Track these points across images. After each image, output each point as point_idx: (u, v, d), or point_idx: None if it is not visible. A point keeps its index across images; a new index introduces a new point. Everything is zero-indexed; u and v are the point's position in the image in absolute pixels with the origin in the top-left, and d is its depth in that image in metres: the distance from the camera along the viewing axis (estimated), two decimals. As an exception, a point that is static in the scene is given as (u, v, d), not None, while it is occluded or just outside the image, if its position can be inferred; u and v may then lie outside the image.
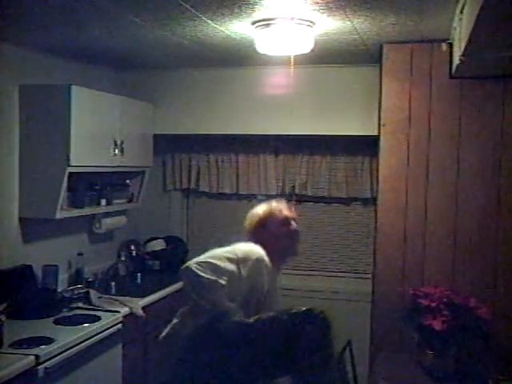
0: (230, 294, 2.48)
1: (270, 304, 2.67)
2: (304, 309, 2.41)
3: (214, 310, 2.44)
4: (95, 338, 3.15)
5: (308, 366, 2.34)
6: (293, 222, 2.79)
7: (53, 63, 3.82)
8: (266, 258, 2.62)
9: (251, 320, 2.41)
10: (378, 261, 3.52)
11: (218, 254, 2.55)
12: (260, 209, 2.82)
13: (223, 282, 2.45)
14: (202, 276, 2.43)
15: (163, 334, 2.69)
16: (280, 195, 4.67)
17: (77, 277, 3.97)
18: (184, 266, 2.53)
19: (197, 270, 2.45)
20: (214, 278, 2.44)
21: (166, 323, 4.04)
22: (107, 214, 4.26)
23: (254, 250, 2.63)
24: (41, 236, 3.76)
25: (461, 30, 2.73)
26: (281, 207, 2.81)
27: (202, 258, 2.53)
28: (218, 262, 2.49)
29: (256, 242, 2.70)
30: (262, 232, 2.74)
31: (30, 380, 2.66)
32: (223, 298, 2.46)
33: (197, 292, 2.47)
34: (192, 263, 2.49)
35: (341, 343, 2.65)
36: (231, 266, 2.50)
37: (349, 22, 2.91)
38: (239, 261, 2.55)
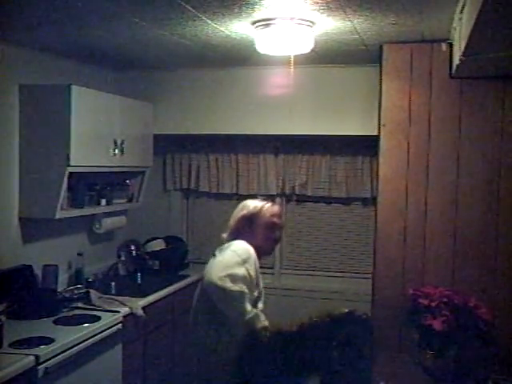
0: (248, 296, 2.56)
1: (262, 297, 2.74)
2: (346, 310, 2.45)
3: (240, 319, 2.51)
4: (95, 337, 3.15)
5: (349, 366, 2.38)
6: (278, 222, 2.85)
7: (53, 63, 3.82)
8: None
9: (294, 328, 2.44)
10: (378, 261, 3.51)
11: (229, 262, 2.60)
12: (250, 204, 2.86)
13: (246, 290, 2.55)
14: (228, 289, 2.52)
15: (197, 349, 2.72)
16: (280, 195, 4.68)
17: (77, 277, 3.97)
18: (207, 281, 2.59)
19: (222, 284, 2.52)
20: (237, 288, 2.53)
21: (165, 323, 4.05)
22: (107, 214, 4.26)
23: (249, 248, 2.70)
24: (41, 236, 3.76)
25: (461, 30, 2.73)
26: (271, 207, 2.86)
27: (218, 270, 2.57)
28: (235, 271, 2.56)
29: (238, 236, 2.77)
30: (246, 228, 2.79)
31: (30, 380, 2.66)
32: (248, 306, 2.55)
33: (226, 305, 2.56)
34: (214, 278, 2.55)
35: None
36: (243, 271, 2.58)
37: (349, 22, 2.91)
38: (244, 262, 2.62)
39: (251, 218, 2.80)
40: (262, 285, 2.79)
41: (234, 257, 2.62)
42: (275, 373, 2.41)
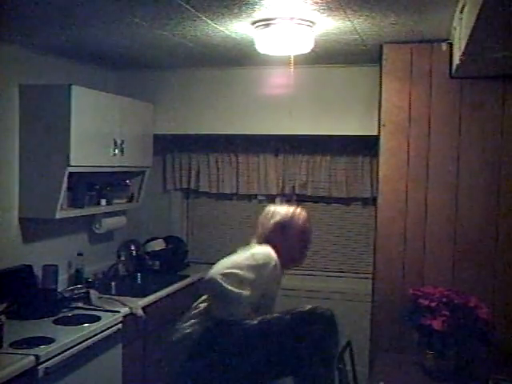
0: (249, 301, 2.49)
1: (273, 306, 2.68)
2: (308, 307, 2.41)
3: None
4: (95, 337, 3.15)
5: (311, 366, 2.34)
6: (309, 228, 2.79)
7: (53, 63, 3.82)
8: (279, 264, 2.60)
9: (255, 321, 2.40)
10: (378, 261, 3.52)
11: (240, 263, 2.53)
12: (280, 211, 2.79)
13: (247, 294, 2.46)
14: (227, 288, 2.43)
15: (174, 338, 2.65)
16: (280, 195, 4.68)
17: (77, 277, 3.97)
18: (208, 276, 2.52)
19: (222, 282, 2.44)
20: (238, 290, 2.44)
21: (165, 323, 4.05)
22: (107, 214, 4.26)
23: (272, 255, 2.61)
24: (41, 236, 3.76)
25: (461, 30, 2.73)
26: (301, 213, 2.80)
27: (224, 267, 2.52)
28: (242, 272, 2.48)
29: (269, 243, 2.68)
30: (279, 235, 2.71)
31: (30, 380, 2.66)
32: (244, 310, 2.47)
33: (219, 304, 2.49)
34: (216, 274, 2.48)
35: (341, 343, 2.64)
36: (252, 275, 2.50)
37: (349, 22, 2.91)
38: (260, 267, 2.54)
39: (284, 225, 2.73)
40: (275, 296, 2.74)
41: (249, 259, 2.55)
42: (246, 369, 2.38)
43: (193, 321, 2.60)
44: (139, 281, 4.30)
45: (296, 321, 2.39)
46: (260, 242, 2.73)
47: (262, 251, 2.63)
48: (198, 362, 2.46)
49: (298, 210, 2.82)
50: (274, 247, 2.66)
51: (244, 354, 2.38)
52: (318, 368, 2.34)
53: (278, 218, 2.76)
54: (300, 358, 2.34)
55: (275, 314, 2.45)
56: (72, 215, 3.75)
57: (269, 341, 2.37)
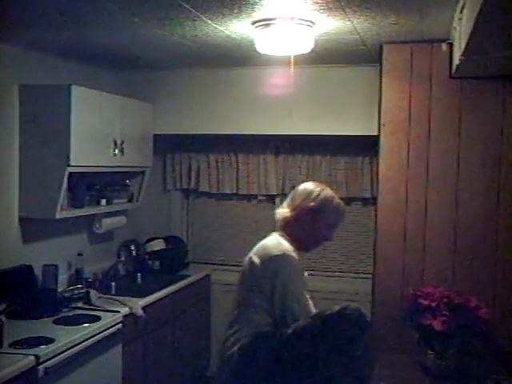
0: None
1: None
2: (338, 308, 2.38)
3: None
4: (95, 337, 3.15)
5: (346, 366, 2.33)
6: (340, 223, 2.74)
7: (53, 63, 3.82)
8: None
9: (290, 330, 2.39)
10: (378, 261, 3.52)
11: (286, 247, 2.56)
12: (316, 195, 2.65)
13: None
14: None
15: (224, 356, 2.59)
16: (280, 195, 4.68)
17: (77, 277, 3.97)
18: (275, 254, 2.52)
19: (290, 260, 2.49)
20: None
21: (165, 323, 4.05)
22: (107, 214, 4.26)
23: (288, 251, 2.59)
24: (41, 236, 3.76)
25: (461, 30, 2.73)
26: (338, 201, 2.69)
27: (278, 250, 2.53)
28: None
29: (291, 230, 2.65)
30: (306, 223, 2.64)
31: (30, 380, 2.66)
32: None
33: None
34: (282, 253, 2.50)
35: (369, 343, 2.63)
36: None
37: (349, 22, 2.91)
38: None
39: (317, 213, 2.63)
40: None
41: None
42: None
43: (234, 337, 2.56)
44: (139, 281, 4.30)
45: (327, 324, 2.36)
46: (283, 222, 2.69)
47: (279, 242, 2.61)
48: (242, 380, 2.45)
49: (338, 199, 2.69)
50: (292, 231, 2.63)
51: (283, 365, 2.36)
52: (353, 371, 2.34)
53: (313, 203, 2.63)
54: (334, 362, 2.33)
55: (308, 320, 2.43)
56: (72, 215, 3.75)
57: (304, 349, 2.35)
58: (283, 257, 2.54)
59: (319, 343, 2.31)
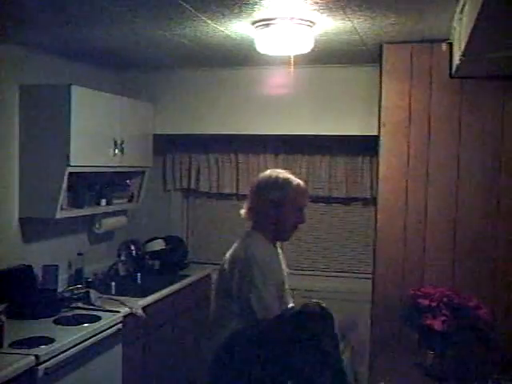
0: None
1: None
2: (296, 309, 2.37)
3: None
4: (95, 337, 3.15)
5: (308, 369, 2.31)
6: (305, 203, 2.67)
7: (53, 63, 3.82)
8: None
9: (255, 328, 2.38)
10: (378, 261, 3.52)
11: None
12: (272, 185, 2.63)
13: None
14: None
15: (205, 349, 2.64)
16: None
17: (77, 277, 3.97)
18: (240, 258, 2.52)
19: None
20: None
21: (165, 323, 4.05)
22: (107, 214, 4.26)
23: (264, 252, 2.60)
24: (41, 236, 3.76)
25: (461, 30, 2.73)
26: (296, 183, 2.65)
27: (244, 252, 2.52)
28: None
29: (261, 222, 2.62)
30: (272, 215, 2.61)
31: (30, 380, 2.66)
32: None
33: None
34: (246, 256, 2.50)
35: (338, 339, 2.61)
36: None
37: (349, 22, 2.91)
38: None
39: (278, 203, 2.60)
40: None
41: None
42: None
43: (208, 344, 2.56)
44: (139, 281, 4.29)
45: (289, 323, 2.36)
46: (249, 214, 2.71)
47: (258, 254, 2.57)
48: (219, 373, 2.45)
49: (295, 180, 2.66)
50: (262, 224, 2.60)
51: (253, 367, 2.36)
52: (315, 370, 2.32)
53: (271, 195, 2.61)
54: (296, 361, 2.32)
55: (269, 322, 2.42)
56: (72, 215, 3.75)
57: (270, 346, 2.35)
58: (248, 259, 2.51)
59: (285, 343, 2.30)
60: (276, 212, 2.60)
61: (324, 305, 2.37)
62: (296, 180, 2.67)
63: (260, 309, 2.38)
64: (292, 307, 2.48)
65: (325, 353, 2.31)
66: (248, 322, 2.42)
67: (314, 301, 2.39)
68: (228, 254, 2.62)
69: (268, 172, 2.70)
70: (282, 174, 2.67)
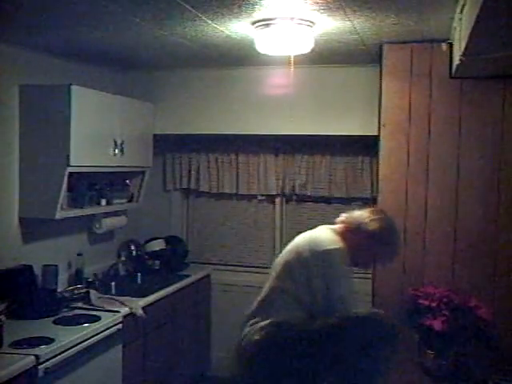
0: None
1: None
2: (364, 314, 2.38)
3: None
4: (95, 337, 3.15)
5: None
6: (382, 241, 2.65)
7: (53, 63, 3.82)
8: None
9: (316, 326, 2.38)
10: (378, 261, 3.51)
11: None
12: (359, 213, 2.67)
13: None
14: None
15: (243, 343, 2.56)
16: (280, 195, 4.69)
17: (77, 277, 3.96)
18: (329, 248, 2.51)
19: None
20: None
21: (165, 323, 4.05)
22: (107, 214, 4.26)
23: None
24: (41, 236, 3.76)
25: (461, 30, 2.73)
26: (376, 220, 2.64)
27: (332, 244, 2.52)
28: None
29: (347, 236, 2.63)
30: (350, 235, 2.63)
31: (30, 380, 2.66)
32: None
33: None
34: (337, 248, 2.50)
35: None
36: None
37: (349, 22, 2.91)
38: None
39: (355, 228, 2.62)
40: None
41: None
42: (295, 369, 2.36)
43: (256, 325, 2.54)
44: (139, 281, 4.29)
45: (358, 327, 2.35)
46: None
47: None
48: (260, 368, 2.44)
49: (376, 216, 2.65)
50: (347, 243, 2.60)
51: (302, 359, 2.35)
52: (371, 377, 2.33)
53: (352, 218, 2.65)
54: (357, 362, 2.32)
55: (335, 318, 2.40)
56: (72, 215, 3.75)
57: (329, 346, 2.34)
58: (338, 251, 2.52)
59: (345, 344, 2.30)
60: (359, 242, 2.63)
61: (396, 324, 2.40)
62: (396, 239, 2.72)
63: (339, 304, 2.43)
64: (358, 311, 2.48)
65: (381, 362, 2.31)
66: (309, 310, 2.44)
67: (381, 312, 2.44)
68: (308, 241, 2.61)
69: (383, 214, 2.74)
70: (392, 225, 2.70)
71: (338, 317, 2.40)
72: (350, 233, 2.61)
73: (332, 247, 2.52)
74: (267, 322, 2.48)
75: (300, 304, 2.48)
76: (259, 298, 2.63)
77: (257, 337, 2.46)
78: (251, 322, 2.56)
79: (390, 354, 2.36)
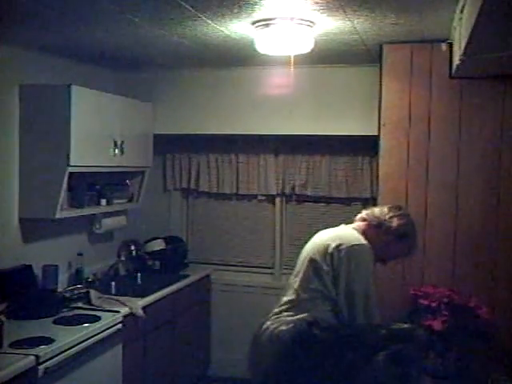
0: None
1: None
2: (404, 326, 2.37)
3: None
4: (95, 337, 3.15)
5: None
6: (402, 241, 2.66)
7: (53, 63, 3.82)
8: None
9: (349, 329, 2.38)
10: (378, 261, 3.51)
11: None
12: (384, 209, 2.68)
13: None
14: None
15: (264, 337, 2.54)
16: (280, 195, 4.69)
17: (77, 277, 3.97)
18: (356, 243, 2.52)
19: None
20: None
21: (165, 323, 4.05)
22: (107, 214, 4.26)
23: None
24: (41, 236, 3.76)
25: (461, 30, 2.73)
26: (400, 219, 2.65)
27: (359, 240, 2.53)
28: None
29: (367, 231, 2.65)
30: (372, 232, 2.64)
31: (30, 380, 2.66)
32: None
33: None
34: (364, 243, 2.51)
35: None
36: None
37: (349, 22, 2.91)
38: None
39: (379, 224, 2.63)
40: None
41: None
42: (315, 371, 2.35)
43: (285, 319, 2.52)
44: (139, 281, 4.30)
45: (390, 337, 2.34)
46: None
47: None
48: (288, 364, 2.42)
49: (397, 212, 2.66)
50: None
51: (331, 360, 2.32)
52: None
53: (373, 215, 2.67)
54: (380, 372, 2.30)
55: (369, 325, 2.40)
56: (72, 215, 3.75)
57: (358, 352, 2.33)
58: (365, 247, 2.53)
59: (376, 354, 2.29)
60: (379, 237, 2.64)
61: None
62: (415, 238, 2.73)
63: (364, 300, 2.45)
64: (398, 323, 2.48)
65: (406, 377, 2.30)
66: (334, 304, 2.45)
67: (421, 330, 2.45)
68: (333, 237, 2.60)
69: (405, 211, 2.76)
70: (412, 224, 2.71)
71: (387, 328, 2.39)
72: (372, 230, 2.63)
73: (359, 243, 2.53)
74: (299, 316, 2.46)
75: (327, 300, 2.48)
76: (285, 299, 2.61)
77: (283, 327, 2.45)
78: (274, 317, 2.55)
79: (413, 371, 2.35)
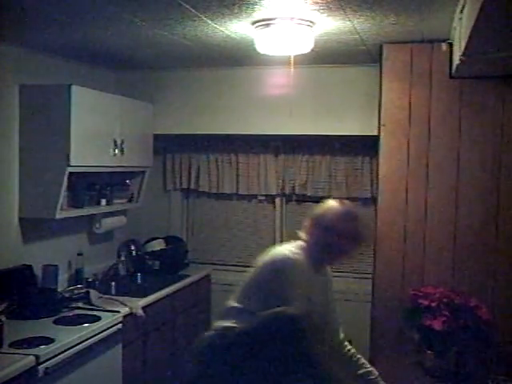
0: None
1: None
2: (268, 313, 2.29)
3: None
4: (95, 337, 3.15)
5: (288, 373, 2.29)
6: (345, 227, 2.55)
7: (53, 63, 3.82)
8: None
9: (241, 329, 2.37)
10: (378, 261, 3.52)
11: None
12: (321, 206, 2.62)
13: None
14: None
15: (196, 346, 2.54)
16: (280, 195, 4.69)
17: (77, 277, 3.97)
18: (276, 257, 2.45)
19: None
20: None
21: (165, 323, 4.05)
22: (107, 214, 4.26)
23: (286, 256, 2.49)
24: (41, 236, 3.76)
25: (461, 30, 2.73)
26: (337, 208, 2.58)
27: (281, 253, 2.46)
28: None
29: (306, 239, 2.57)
30: (311, 232, 2.56)
31: (30, 380, 2.66)
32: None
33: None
34: (283, 256, 2.43)
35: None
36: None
37: (349, 22, 2.91)
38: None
39: (315, 221, 2.55)
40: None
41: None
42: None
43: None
44: (139, 281, 4.29)
45: (264, 327, 2.33)
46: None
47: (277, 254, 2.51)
48: (204, 371, 2.44)
49: (335, 205, 2.58)
50: (310, 243, 2.54)
51: (233, 363, 2.35)
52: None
53: (313, 213, 2.59)
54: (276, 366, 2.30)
55: (254, 320, 2.39)
56: (72, 215, 3.75)
57: (254, 348, 2.33)
58: (284, 259, 2.44)
59: (262, 345, 2.27)
60: (317, 233, 2.55)
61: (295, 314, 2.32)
62: (343, 208, 2.62)
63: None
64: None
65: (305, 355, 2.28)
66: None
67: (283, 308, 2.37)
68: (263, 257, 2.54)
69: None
70: (338, 203, 2.64)
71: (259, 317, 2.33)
72: (312, 229, 2.56)
73: (279, 256, 2.45)
74: (219, 323, 2.45)
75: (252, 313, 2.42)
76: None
77: (205, 334, 2.46)
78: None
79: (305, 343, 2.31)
